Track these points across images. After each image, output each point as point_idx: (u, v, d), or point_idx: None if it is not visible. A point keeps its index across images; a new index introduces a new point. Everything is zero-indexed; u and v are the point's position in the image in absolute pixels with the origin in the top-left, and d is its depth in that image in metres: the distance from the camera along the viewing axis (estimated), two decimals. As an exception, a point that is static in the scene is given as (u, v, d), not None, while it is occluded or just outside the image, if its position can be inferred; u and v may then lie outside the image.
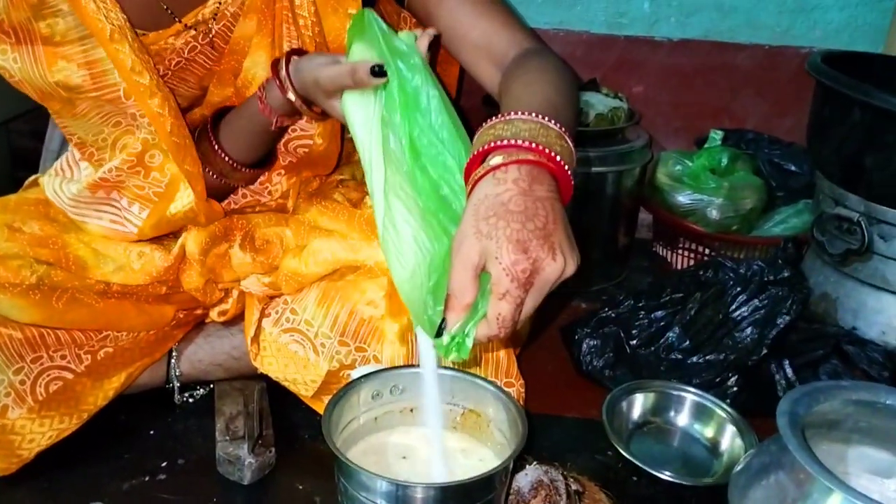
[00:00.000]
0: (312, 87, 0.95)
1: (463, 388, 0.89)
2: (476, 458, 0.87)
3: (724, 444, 1.10)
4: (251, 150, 1.06)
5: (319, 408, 1.08)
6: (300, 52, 1.01)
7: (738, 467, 0.85)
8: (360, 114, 0.90)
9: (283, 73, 0.98)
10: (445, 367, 0.90)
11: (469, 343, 0.72)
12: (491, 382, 0.88)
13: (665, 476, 1.02)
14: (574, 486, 0.90)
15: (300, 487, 0.99)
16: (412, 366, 0.93)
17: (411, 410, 0.91)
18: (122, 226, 1.00)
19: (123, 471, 1.01)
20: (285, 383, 1.08)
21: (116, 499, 0.97)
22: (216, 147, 1.04)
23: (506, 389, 0.87)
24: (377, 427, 0.90)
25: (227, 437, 1.02)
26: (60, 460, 1.01)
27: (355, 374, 0.90)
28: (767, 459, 0.83)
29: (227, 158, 1.04)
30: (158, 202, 0.98)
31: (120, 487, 0.98)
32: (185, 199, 0.98)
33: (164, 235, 1.05)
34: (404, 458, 0.86)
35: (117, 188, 0.99)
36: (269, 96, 1.00)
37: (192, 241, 1.02)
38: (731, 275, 1.28)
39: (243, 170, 1.07)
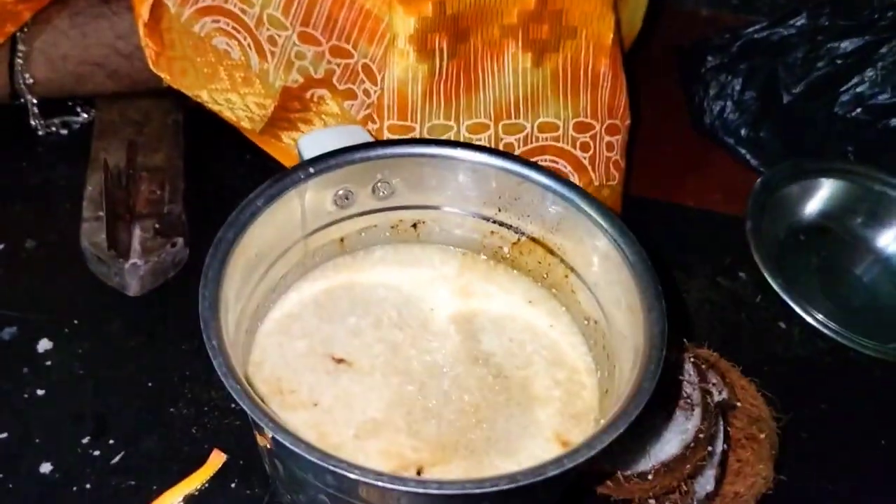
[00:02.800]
0: None
1: (519, 192, 0.43)
2: (543, 334, 0.43)
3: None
4: None
5: (275, 151, 0.64)
6: None
7: None
8: None
9: None
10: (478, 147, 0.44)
11: None
12: (584, 195, 0.41)
13: (826, 330, 0.60)
14: (716, 392, 0.47)
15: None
16: (430, 141, 0.47)
17: (414, 226, 0.46)
18: None
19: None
20: (213, 108, 0.62)
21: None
22: None
23: (614, 214, 0.40)
24: (342, 256, 0.46)
25: (101, 214, 0.59)
26: None
27: (305, 143, 0.44)
28: None
29: None
30: None
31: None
32: None
33: None
34: (397, 327, 0.43)
35: None
36: None
37: None
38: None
39: None
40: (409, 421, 0.39)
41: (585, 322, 0.43)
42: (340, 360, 0.41)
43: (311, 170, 0.41)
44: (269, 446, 0.35)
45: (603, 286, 0.41)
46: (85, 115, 0.70)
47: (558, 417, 0.39)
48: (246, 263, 0.38)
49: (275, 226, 0.40)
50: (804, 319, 0.62)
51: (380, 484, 0.29)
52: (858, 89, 0.77)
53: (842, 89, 0.77)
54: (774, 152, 0.78)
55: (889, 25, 0.77)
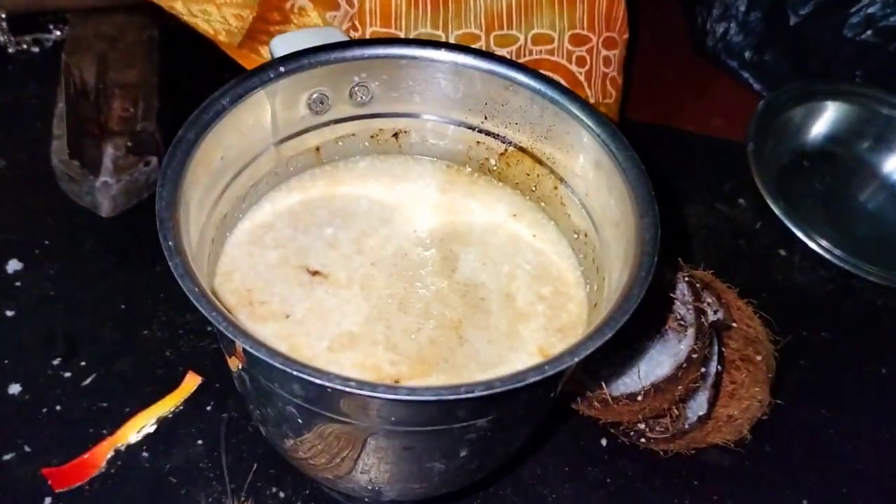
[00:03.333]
0: None
1: (507, 96, 0.40)
2: (529, 247, 0.41)
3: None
4: None
5: (250, 65, 0.61)
6: None
7: None
8: None
9: None
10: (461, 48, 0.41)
11: None
12: (574, 97, 0.38)
13: (828, 255, 0.58)
14: (711, 311, 0.45)
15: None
16: (410, 41, 0.44)
17: (395, 136, 0.43)
18: None
19: None
20: (189, 20, 0.59)
21: None
22: None
23: (606, 119, 0.37)
24: (320, 167, 0.43)
25: (72, 132, 0.56)
26: None
27: (277, 43, 0.41)
28: None
29: None
30: None
31: None
32: None
33: None
34: (377, 240, 0.40)
35: None
36: None
37: None
38: None
39: None
40: (388, 335, 0.36)
41: (575, 236, 0.41)
42: (315, 273, 0.38)
43: (282, 69, 0.38)
44: (235, 359, 0.33)
45: (594, 196, 0.39)
46: (57, 32, 0.67)
47: (542, 332, 0.37)
48: (210, 167, 0.36)
49: (242, 129, 0.37)
50: (806, 246, 0.60)
51: (348, 390, 0.27)
52: (869, 10, 0.73)
53: (852, 10, 0.74)
54: (779, 76, 0.75)
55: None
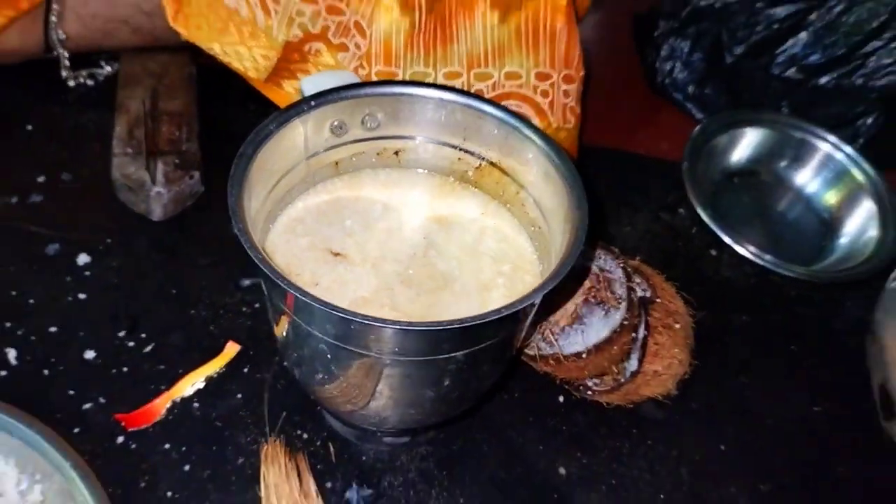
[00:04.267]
0: None
1: (479, 124, 0.53)
2: (495, 237, 0.54)
3: (850, 221, 0.76)
4: None
5: (277, 98, 0.74)
6: None
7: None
8: None
9: None
10: (446, 88, 0.53)
11: None
12: (529, 125, 0.52)
13: (749, 255, 0.71)
14: (640, 290, 0.58)
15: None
16: (407, 82, 0.56)
17: (396, 153, 0.56)
18: None
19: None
20: (224, 59, 0.71)
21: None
22: None
23: (552, 141, 0.51)
24: (339, 176, 0.56)
25: (129, 151, 0.69)
26: None
27: (306, 83, 0.54)
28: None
29: None
30: None
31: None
32: None
33: None
34: (381, 230, 0.53)
35: None
36: None
37: None
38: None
39: None
40: (392, 299, 0.49)
41: (532, 228, 0.53)
42: (337, 254, 0.51)
43: (312, 103, 0.51)
44: (283, 310, 0.45)
45: (544, 197, 0.51)
46: (109, 68, 0.80)
47: (505, 298, 0.50)
48: (260, 175, 0.48)
49: (283, 147, 0.50)
50: (732, 248, 0.73)
51: (369, 322, 0.39)
52: (792, 51, 0.87)
53: (777, 51, 0.87)
54: (718, 107, 0.88)
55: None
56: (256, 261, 0.41)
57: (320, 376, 0.48)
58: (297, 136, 0.51)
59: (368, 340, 0.42)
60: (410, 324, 0.40)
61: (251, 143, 0.47)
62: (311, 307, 0.40)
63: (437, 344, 0.43)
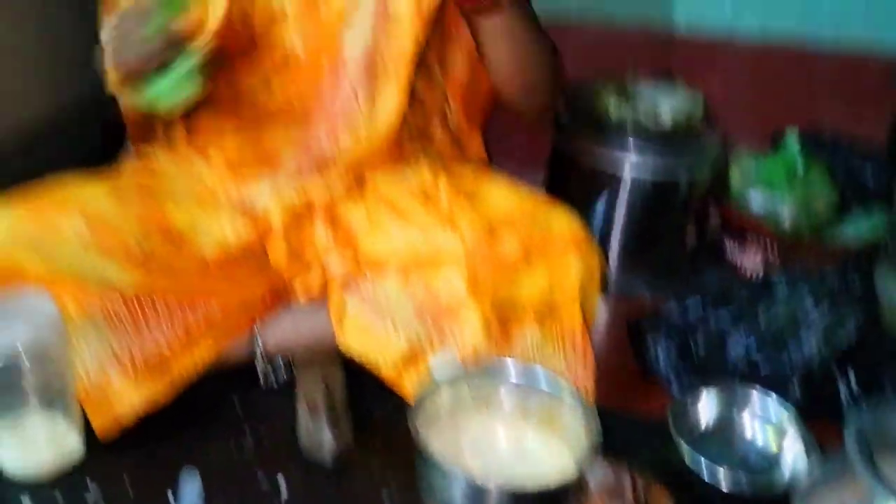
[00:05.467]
0: None
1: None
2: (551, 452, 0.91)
3: (788, 452, 1.12)
4: None
5: (402, 387, 1.10)
6: None
7: (803, 483, 0.88)
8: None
9: None
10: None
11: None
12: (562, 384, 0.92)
13: (722, 486, 1.05)
14: (642, 491, 0.93)
15: (378, 469, 1.06)
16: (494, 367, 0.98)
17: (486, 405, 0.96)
18: None
19: (214, 441, 1.09)
20: (366, 362, 1.12)
21: (207, 465, 1.04)
22: None
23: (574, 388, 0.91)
24: (452, 415, 0.95)
25: (311, 421, 1.09)
26: (155, 429, 1.06)
27: (435, 365, 0.95)
28: (832, 475, 0.86)
29: None
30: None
31: (210, 456, 1.06)
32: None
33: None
34: (478, 450, 0.91)
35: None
36: None
37: (274, 212, 1.15)
38: (802, 283, 1.29)
39: None
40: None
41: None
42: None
43: (444, 386, 0.92)
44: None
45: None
46: (285, 376, 1.22)
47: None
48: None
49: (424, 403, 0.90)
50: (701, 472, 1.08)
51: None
52: (737, 349, 1.28)
53: (730, 348, 1.29)
54: (692, 386, 1.27)
55: (748, 298, 1.31)
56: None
57: None
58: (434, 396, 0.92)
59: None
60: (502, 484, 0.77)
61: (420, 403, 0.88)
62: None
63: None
